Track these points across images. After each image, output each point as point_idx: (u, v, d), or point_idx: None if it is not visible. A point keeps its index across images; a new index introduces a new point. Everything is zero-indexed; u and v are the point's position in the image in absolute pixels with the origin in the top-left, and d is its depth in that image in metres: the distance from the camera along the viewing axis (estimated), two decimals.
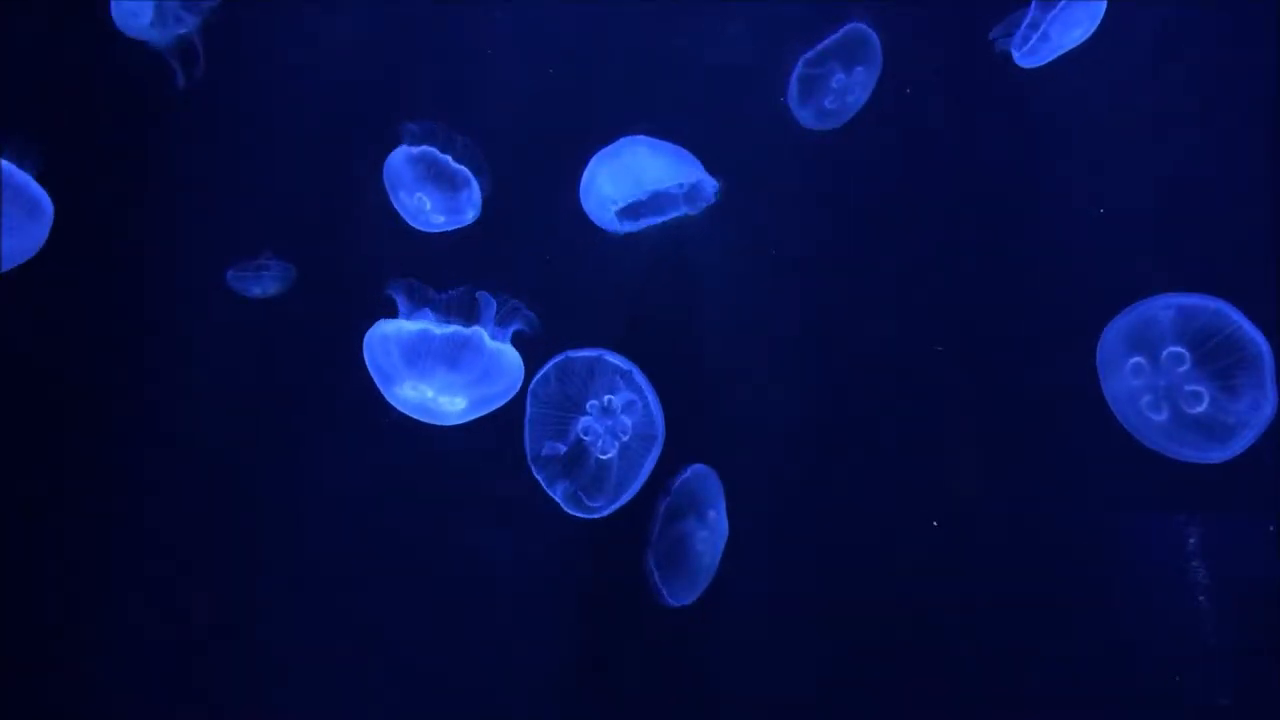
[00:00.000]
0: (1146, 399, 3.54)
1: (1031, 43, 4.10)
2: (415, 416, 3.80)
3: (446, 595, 4.43)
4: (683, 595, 4.05)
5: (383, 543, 4.46)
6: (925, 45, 4.35)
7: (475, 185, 4.19)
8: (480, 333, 3.58)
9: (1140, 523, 4.14)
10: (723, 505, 4.05)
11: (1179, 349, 3.48)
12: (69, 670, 4.38)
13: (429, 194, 4.19)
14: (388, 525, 4.44)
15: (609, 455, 3.87)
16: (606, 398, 3.85)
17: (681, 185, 4.17)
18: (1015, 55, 4.12)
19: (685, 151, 4.18)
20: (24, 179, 3.36)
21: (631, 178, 4.16)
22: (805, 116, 4.36)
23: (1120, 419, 3.63)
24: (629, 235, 4.28)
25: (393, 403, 3.76)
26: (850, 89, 4.28)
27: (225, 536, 4.48)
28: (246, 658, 4.47)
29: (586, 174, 4.22)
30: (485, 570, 4.41)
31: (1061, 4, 3.99)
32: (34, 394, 4.39)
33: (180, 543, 4.47)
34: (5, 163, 3.30)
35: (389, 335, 3.61)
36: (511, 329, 3.67)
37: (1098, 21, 4.01)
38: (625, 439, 3.86)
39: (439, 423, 3.80)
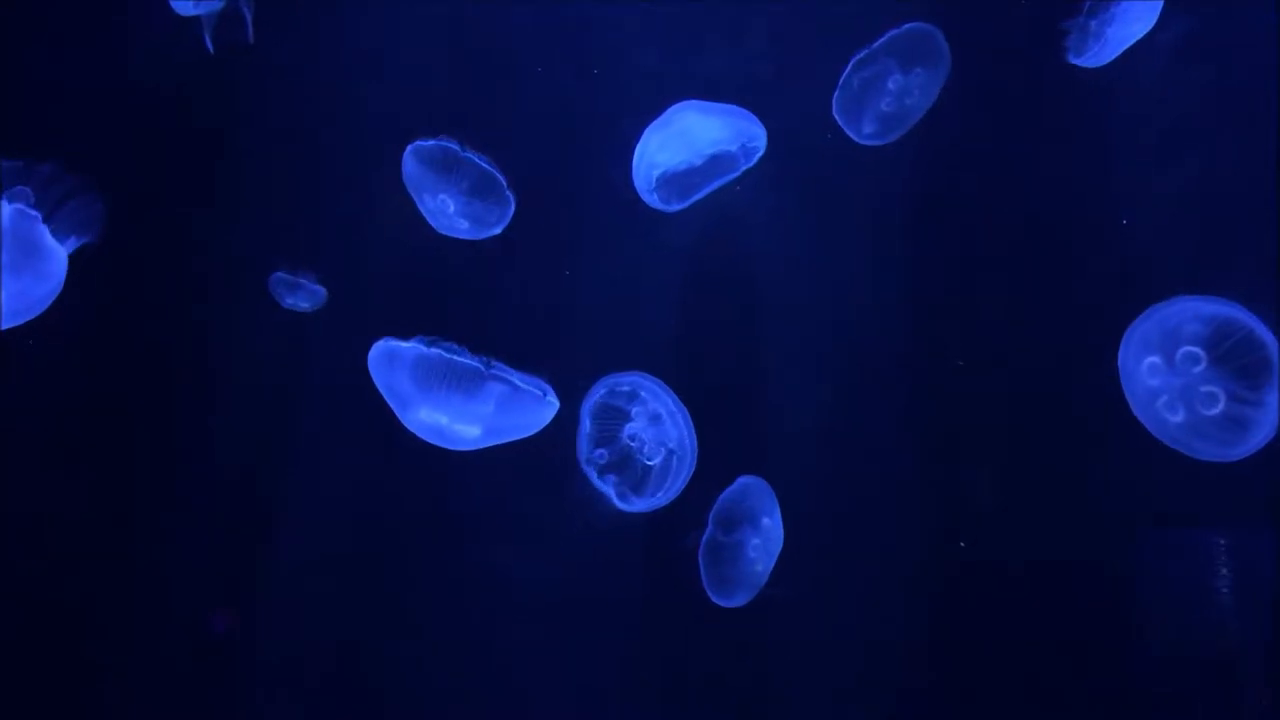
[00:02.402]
0: (1163, 399, 3.47)
1: (1092, 48, 4.03)
2: (429, 440, 3.84)
3: (481, 611, 4.45)
4: (736, 599, 4.14)
5: (409, 557, 4.50)
6: (986, 46, 4.26)
7: (502, 191, 4.16)
8: (496, 371, 3.58)
9: (1169, 533, 4.01)
10: (778, 513, 4.10)
11: (1194, 349, 3.40)
12: (82, 678, 4.45)
13: (452, 197, 4.15)
14: (413, 540, 4.49)
15: (654, 461, 3.98)
16: (653, 406, 3.95)
17: (737, 145, 4.13)
18: (1074, 58, 4.05)
19: (736, 108, 4.15)
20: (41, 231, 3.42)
21: (684, 142, 4.12)
22: (862, 124, 4.23)
23: (1141, 419, 3.55)
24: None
25: (407, 425, 3.81)
26: (910, 91, 4.17)
27: (249, 548, 4.52)
28: (270, 671, 4.53)
29: (638, 148, 4.19)
30: (528, 585, 4.44)
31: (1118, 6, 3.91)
32: (53, 396, 4.45)
33: (203, 554, 4.51)
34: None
35: (395, 357, 3.67)
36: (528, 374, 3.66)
37: (1156, 16, 3.91)
38: (671, 446, 3.96)
39: (453, 447, 3.85)
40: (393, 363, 3.65)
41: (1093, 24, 3.98)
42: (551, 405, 3.68)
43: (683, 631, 4.32)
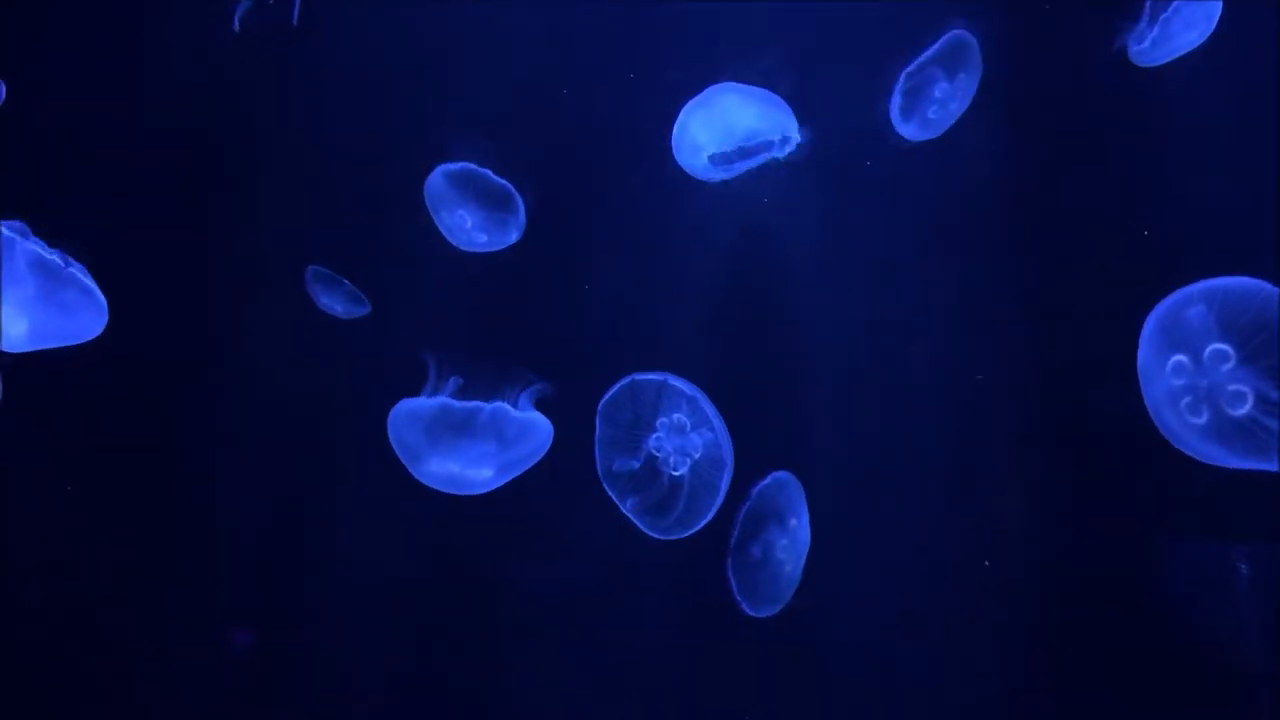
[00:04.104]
0: (1187, 400, 3.31)
1: (1147, 43, 3.94)
2: (443, 489, 3.87)
3: (503, 621, 4.46)
4: (767, 606, 4.09)
5: (442, 577, 4.46)
6: (1026, 48, 4.24)
7: (518, 202, 4.17)
8: (501, 406, 3.65)
9: (1194, 546, 3.93)
10: (805, 513, 4.06)
11: (1223, 345, 3.25)
12: (103, 691, 4.42)
13: (470, 212, 4.17)
14: (446, 559, 4.45)
15: (681, 472, 3.93)
16: (675, 416, 3.90)
17: (773, 133, 4.12)
18: (1132, 52, 3.95)
19: (775, 96, 4.15)
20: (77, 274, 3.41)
21: (723, 125, 4.15)
22: (909, 130, 4.24)
23: (1160, 422, 3.40)
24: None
25: (420, 479, 3.83)
26: (954, 96, 4.17)
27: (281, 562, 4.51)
28: (297, 682, 4.50)
29: (678, 124, 4.20)
30: (567, 601, 4.43)
31: (1170, 9, 3.80)
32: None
33: (231, 565, 4.49)
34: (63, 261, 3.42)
35: (411, 414, 3.72)
36: (531, 397, 3.70)
37: (1214, 22, 3.82)
38: (696, 457, 3.91)
39: (468, 492, 3.88)
40: (406, 419, 3.74)
41: (1147, 29, 3.86)
42: (548, 428, 3.78)
43: (715, 640, 4.31)
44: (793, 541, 4.05)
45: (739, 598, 4.04)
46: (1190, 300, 3.31)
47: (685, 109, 4.20)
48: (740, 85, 4.18)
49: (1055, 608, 4.08)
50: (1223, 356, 3.25)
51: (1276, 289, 3.18)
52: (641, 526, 3.98)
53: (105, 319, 3.55)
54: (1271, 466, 3.19)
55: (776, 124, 4.15)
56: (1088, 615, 4.04)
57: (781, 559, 4.05)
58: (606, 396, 3.96)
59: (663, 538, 3.97)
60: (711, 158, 4.14)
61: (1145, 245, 4.04)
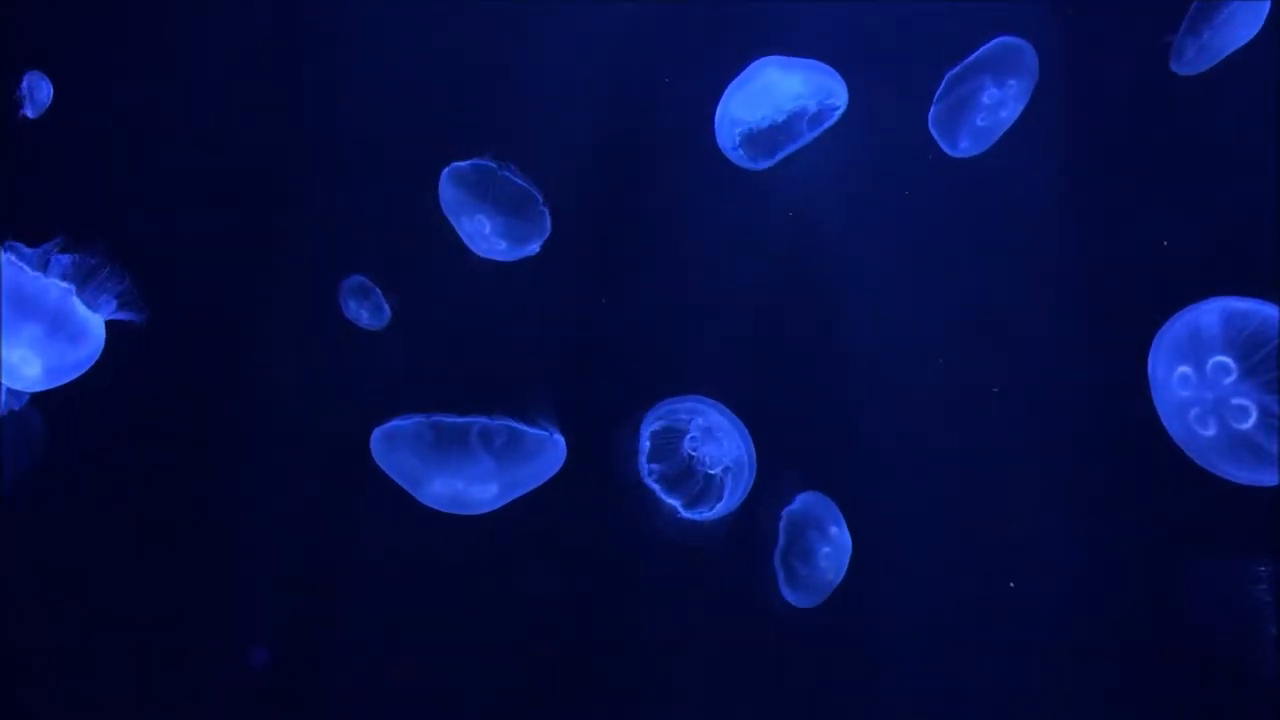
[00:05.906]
0: (1194, 412, 3.25)
1: (1189, 53, 3.88)
2: (446, 510, 3.79)
3: (548, 645, 4.45)
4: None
5: (463, 590, 4.43)
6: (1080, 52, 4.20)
7: (538, 207, 4.08)
8: (503, 422, 3.60)
9: (1216, 561, 3.85)
10: (843, 522, 4.10)
11: (1225, 359, 3.18)
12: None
13: (489, 216, 4.06)
14: (467, 573, 4.41)
15: (715, 471, 3.99)
16: (706, 426, 3.95)
17: (816, 101, 4.04)
18: (1174, 65, 3.90)
19: (818, 63, 4.07)
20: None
21: (766, 99, 4.05)
22: (959, 140, 4.16)
23: (1171, 432, 3.39)
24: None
25: (422, 501, 3.78)
26: (1005, 103, 4.08)
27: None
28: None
29: (720, 106, 4.11)
30: (592, 614, 4.45)
31: (1224, 13, 3.75)
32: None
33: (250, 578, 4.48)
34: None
35: (391, 437, 3.69)
36: (546, 411, 3.65)
37: (1262, 21, 3.73)
38: (727, 461, 3.97)
39: (471, 512, 3.80)
40: (390, 444, 3.70)
41: (1191, 38, 3.81)
42: (559, 445, 3.71)
43: (746, 648, 4.35)
44: (835, 549, 4.09)
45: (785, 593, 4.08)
46: (1196, 313, 3.26)
47: (727, 90, 4.11)
48: (781, 57, 4.10)
49: (1076, 622, 4.06)
50: (1224, 369, 3.18)
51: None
52: (682, 513, 4.01)
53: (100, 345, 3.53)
54: (1272, 480, 3.16)
55: (822, 88, 4.07)
56: (1109, 628, 4.02)
57: (825, 566, 4.09)
58: (645, 415, 4.00)
59: (698, 519, 4.00)
60: (747, 134, 4.07)
61: (1185, 257, 3.98)
